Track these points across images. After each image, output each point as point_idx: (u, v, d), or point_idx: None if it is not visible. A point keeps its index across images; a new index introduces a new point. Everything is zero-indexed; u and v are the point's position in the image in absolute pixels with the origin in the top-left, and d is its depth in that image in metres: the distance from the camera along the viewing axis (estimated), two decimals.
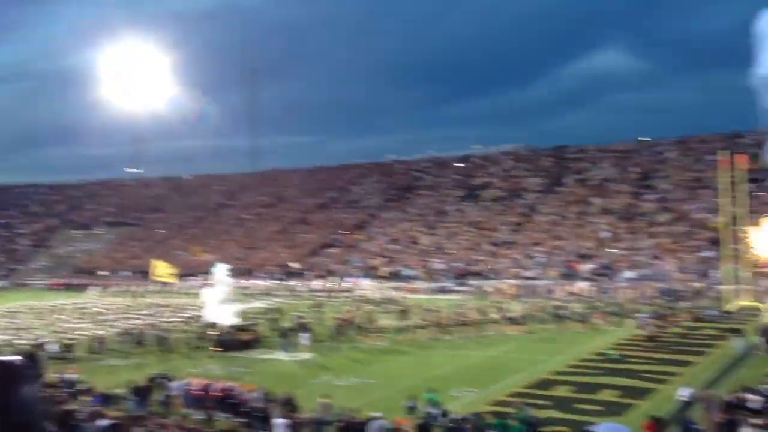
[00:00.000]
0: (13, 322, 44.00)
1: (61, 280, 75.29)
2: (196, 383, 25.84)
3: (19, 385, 1.69)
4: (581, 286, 49.84)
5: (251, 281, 63.45)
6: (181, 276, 69.64)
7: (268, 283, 62.53)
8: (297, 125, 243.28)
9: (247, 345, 34.92)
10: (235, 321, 37.91)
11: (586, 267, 54.08)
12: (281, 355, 34.24)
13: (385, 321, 38.55)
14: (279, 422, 20.05)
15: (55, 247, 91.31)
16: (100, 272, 77.19)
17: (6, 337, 37.41)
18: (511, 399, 22.84)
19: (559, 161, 75.99)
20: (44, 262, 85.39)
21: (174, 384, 26.47)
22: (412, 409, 21.69)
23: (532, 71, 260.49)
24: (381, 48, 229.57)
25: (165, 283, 61.08)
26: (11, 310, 50.87)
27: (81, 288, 68.20)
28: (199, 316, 40.10)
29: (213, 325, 36.66)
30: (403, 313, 41.34)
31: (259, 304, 50.83)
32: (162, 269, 59.12)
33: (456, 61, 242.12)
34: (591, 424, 17.82)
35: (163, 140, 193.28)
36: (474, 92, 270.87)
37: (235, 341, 34.85)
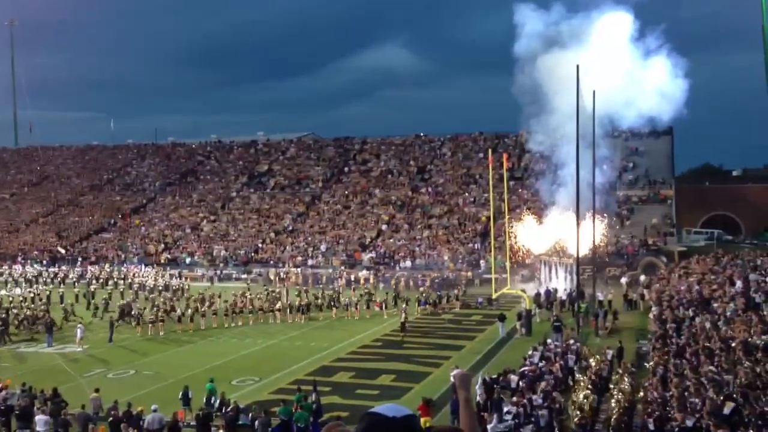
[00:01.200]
0: None
1: None
2: None
3: None
4: (362, 274, 51.53)
5: (11, 267, 57.63)
6: None
7: (30, 269, 57.15)
8: (70, 101, 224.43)
9: None
10: None
11: (367, 256, 56.01)
12: (47, 349, 31.67)
13: (165, 310, 36.95)
14: (41, 419, 18.57)
15: None
16: None
17: None
18: (292, 387, 23.04)
19: (342, 151, 77.76)
20: None
21: None
22: (189, 401, 21.11)
23: (317, 61, 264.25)
24: (165, 27, 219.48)
25: None
26: None
27: None
28: None
29: None
30: (183, 301, 39.96)
31: (19, 291, 46.36)
32: None
33: (243, 46, 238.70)
34: (371, 407, 18.58)
35: None
36: (259, 79, 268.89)
37: None
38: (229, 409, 19.68)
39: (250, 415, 19.13)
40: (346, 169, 74.06)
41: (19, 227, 71.43)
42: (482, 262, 50.77)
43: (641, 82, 42.56)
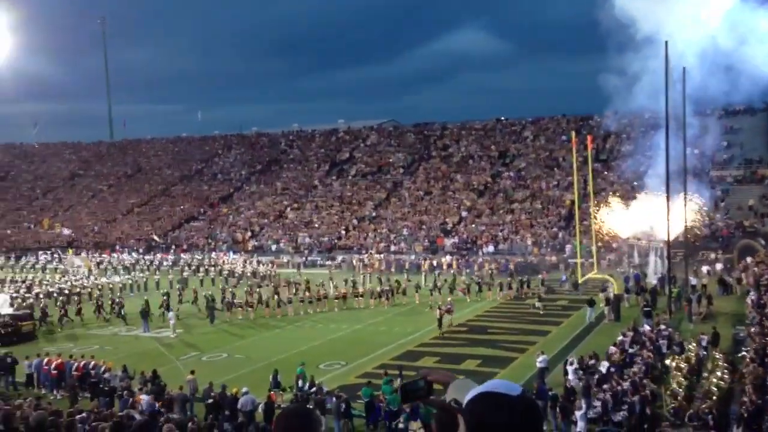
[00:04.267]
0: None
1: None
2: (51, 362, 24.57)
3: None
4: (445, 260, 51.51)
5: (110, 255, 60.49)
6: (31, 250, 65.45)
7: (128, 257, 59.84)
8: (157, 94, 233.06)
9: (26, 336, 31.55)
10: (9, 310, 33.83)
11: (450, 241, 55.93)
12: (144, 333, 33.16)
13: (253, 295, 38.07)
14: (144, 399, 19.47)
15: None
16: None
17: None
18: (378, 371, 23.36)
19: (423, 137, 77.68)
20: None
21: (28, 363, 25.04)
22: (279, 384, 21.73)
23: (396, 47, 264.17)
24: (246, 19, 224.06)
25: None
26: None
27: None
28: None
29: None
30: (271, 287, 41.01)
31: (118, 279, 48.66)
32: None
33: (322, 34, 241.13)
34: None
35: (6, 105, 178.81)
36: (339, 66, 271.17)
37: (13, 332, 31.37)
38: (316, 392, 20.19)
39: (334, 398, 19.54)
40: (426, 155, 74.01)
41: (117, 217, 74.81)
42: (567, 247, 49.86)
43: (737, 58, 40.56)
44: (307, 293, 38.66)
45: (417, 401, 2.58)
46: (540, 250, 51.12)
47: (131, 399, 19.57)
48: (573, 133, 47.90)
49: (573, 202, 49.16)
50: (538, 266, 47.08)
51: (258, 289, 39.86)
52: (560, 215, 56.02)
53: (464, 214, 60.05)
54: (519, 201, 59.95)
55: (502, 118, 77.72)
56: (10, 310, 33.89)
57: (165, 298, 36.70)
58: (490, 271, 46.07)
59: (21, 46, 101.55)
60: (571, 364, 21.41)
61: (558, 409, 17.71)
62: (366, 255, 54.94)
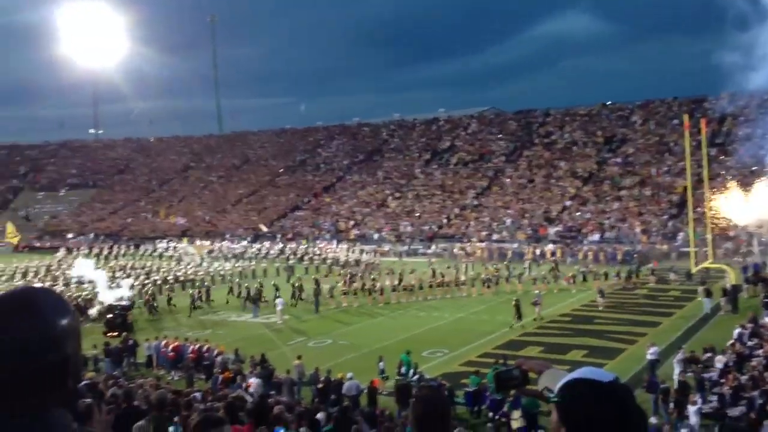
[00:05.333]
0: None
1: (26, 243, 73.90)
2: (169, 344, 25.93)
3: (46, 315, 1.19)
4: (548, 248, 50.55)
5: (221, 244, 63.00)
6: (149, 239, 69.08)
7: (237, 245, 62.16)
8: (261, 87, 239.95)
9: (128, 327, 31.54)
10: (119, 301, 33.82)
11: (553, 230, 54.80)
12: (252, 318, 34.36)
13: (357, 284, 38.72)
14: (254, 381, 20.19)
15: (18, 209, 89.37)
16: (68, 235, 76.02)
17: None
18: (481, 360, 23.26)
19: (525, 124, 76.36)
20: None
21: (147, 345, 26.54)
22: (382, 370, 22.04)
23: (496, 34, 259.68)
24: (346, 10, 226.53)
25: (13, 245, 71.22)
26: None
27: (46, 251, 67.08)
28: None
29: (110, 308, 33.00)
30: (374, 275, 41.54)
31: (228, 266, 50.63)
32: (11, 232, 70.77)
33: (421, 23, 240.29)
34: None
35: (126, 101, 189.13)
36: (438, 55, 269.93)
37: (122, 322, 31.63)
38: (419, 379, 20.36)
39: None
40: (529, 142, 72.72)
41: (226, 207, 77.79)
42: (679, 235, 47.79)
43: None
44: (409, 282, 38.96)
45: (511, 390, 2.56)
46: (649, 239, 49.25)
47: (243, 383, 20.37)
48: (685, 116, 45.64)
49: (685, 188, 46.95)
50: (648, 255, 45.40)
51: (361, 277, 40.47)
52: (671, 202, 53.73)
53: (568, 203, 58.64)
54: (627, 188, 57.94)
55: (609, 103, 75.29)
56: (125, 296, 34.57)
57: (298, 285, 37.85)
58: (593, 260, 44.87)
59: (136, 45, 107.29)
60: (679, 356, 20.60)
61: (673, 404, 17.10)
62: (468, 243, 54.66)
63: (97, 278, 37.01)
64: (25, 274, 47.98)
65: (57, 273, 47.79)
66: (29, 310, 1.59)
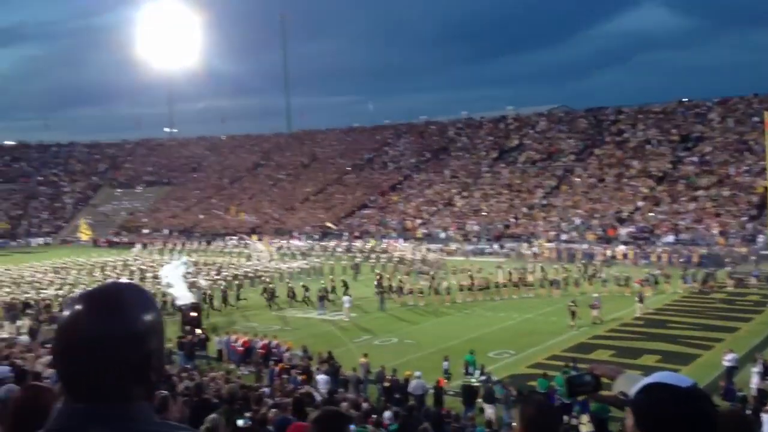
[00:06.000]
0: (64, 279, 44.95)
1: (105, 238, 76.92)
2: (239, 339, 26.50)
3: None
4: (620, 249, 49.34)
5: (289, 241, 63.95)
6: (219, 236, 70.74)
7: (305, 243, 62.98)
8: (330, 85, 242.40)
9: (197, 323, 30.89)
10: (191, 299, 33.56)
11: (625, 231, 53.44)
12: (319, 315, 34.72)
13: (423, 282, 38.68)
14: (321, 378, 20.41)
15: (97, 205, 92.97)
16: (143, 230, 78.75)
17: (62, 292, 38.37)
18: (549, 362, 22.90)
19: (595, 122, 74.72)
20: (89, 220, 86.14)
21: (218, 339, 27.19)
22: (447, 370, 21.95)
23: (566, 30, 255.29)
24: (414, 8, 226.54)
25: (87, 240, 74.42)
26: (61, 266, 51.90)
27: (124, 246, 69.62)
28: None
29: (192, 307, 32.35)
30: (441, 274, 41.41)
31: (296, 264, 51.35)
32: (84, 229, 73.90)
33: (489, 21, 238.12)
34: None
35: (199, 100, 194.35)
36: (507, 52, 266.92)
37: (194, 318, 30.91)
38: (486, 380, 20.19)
39: (503, 388, 19.43)
40: (599, 140, 71.14)
41: (294, 205, 78.94)
42: (759, 237, 45.91)
43: None
44: (476, 281, 38.63)
45: (584, 395, 2.51)
46: (727, 241, 47.49)
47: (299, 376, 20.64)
48: (766, 114, 43.81)
49: (766, 188, 45.16)
50: (725, 258, 43.79)
51: (428, 276, 40.40)
52: (751, 203, 51.68)
53: (640, 203, 57.10)
54: (704, 188, 56.02)
55: (685, 100, 72.93)
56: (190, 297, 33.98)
57: (376, 280, 38.13)
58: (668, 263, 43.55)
59: (209, 45, 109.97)
60: (755, 364, 19.81)
61: (750, 412, 16.44)
62: (536, 243, 53.88)
63: (175, 276, 37.88)
64: (103, 268, 49.81)
65: (133, 268, 49.49)
66: (115, 306, 1.63)
